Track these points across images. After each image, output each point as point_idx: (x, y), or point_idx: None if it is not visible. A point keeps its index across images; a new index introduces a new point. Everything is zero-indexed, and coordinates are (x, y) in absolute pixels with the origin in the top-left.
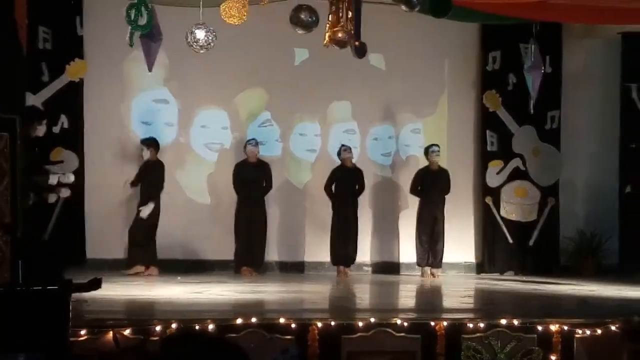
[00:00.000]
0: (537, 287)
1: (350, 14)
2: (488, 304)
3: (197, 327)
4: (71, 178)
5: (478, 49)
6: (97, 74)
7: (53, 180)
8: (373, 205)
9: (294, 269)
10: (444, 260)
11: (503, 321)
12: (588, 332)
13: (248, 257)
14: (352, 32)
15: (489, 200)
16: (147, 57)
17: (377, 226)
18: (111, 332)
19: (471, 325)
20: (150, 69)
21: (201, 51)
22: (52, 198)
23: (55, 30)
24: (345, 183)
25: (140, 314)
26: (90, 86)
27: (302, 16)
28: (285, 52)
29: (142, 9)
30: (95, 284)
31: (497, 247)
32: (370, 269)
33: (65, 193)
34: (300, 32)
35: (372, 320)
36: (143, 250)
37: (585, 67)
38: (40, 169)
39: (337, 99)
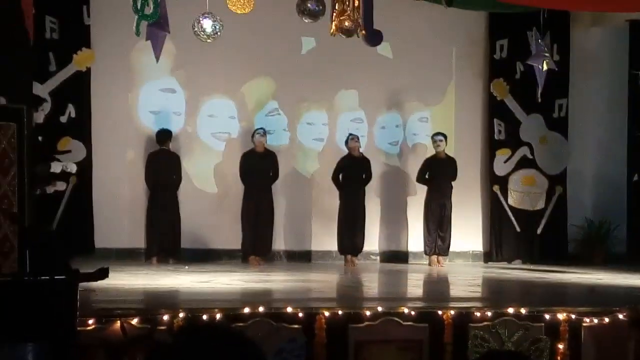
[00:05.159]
0: (545, 276)
1: (356, 2)
2: (495, 293)
3: (205, 317)
4: (73, 168)
5: (485, 38)
6: (105, 63)
7: (56, 168)
8: (380, 194)
9: (301, 258)
10: (452, 248)
11: (510, 310)
12: (595, 321)
13: (255, 246)
14: (359, 20)
15: (496, 188)
16: (154, 47)
17: (384, 215)
18: (119, 322)
19: (478, 314)
20: (157, 59)
21: (208, 40)
22: (49, 190)
23: (62, 19)
24: (352, 172)
25: (148, 304)
26: (98, 75)
27: (309, 5)
28: (292, 41)
29: None
30: (103, 274)
31: (504, 236)
32: (377, 257)
33: (60, 186)
34: (306, 20)
35: (380, 309)
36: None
37: (593, 55)
38: (41, 158)
39: (344, 88)
